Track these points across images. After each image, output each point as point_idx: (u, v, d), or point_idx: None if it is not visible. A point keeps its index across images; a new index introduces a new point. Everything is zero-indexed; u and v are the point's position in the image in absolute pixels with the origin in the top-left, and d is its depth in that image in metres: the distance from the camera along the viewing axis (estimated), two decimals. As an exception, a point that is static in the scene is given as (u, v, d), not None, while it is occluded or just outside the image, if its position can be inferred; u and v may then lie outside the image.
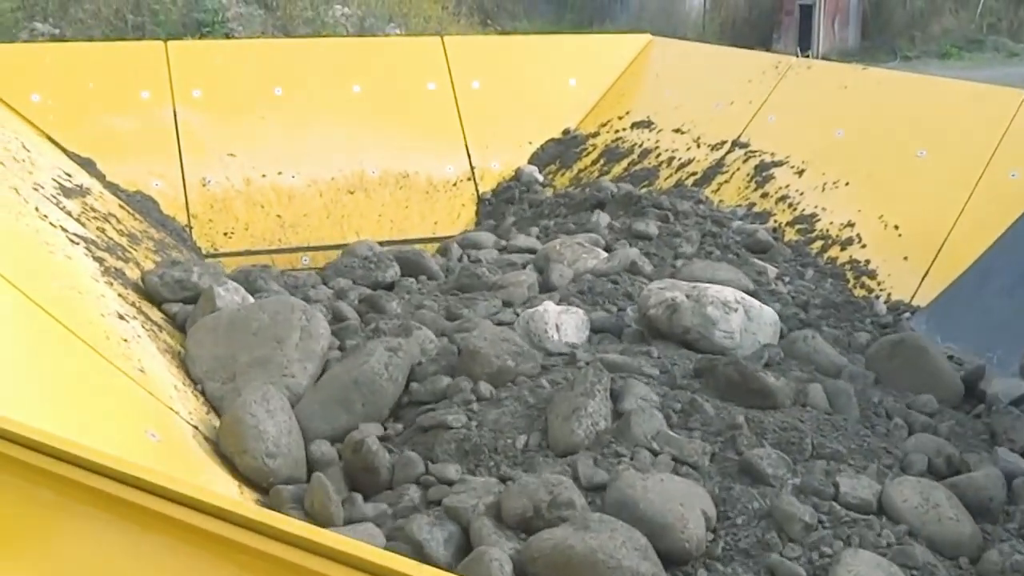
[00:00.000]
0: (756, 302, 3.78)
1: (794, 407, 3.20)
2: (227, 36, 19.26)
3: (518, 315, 3.95)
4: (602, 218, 5.19)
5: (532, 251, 5.02)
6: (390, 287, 4.69)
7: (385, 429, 3.27)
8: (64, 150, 5.61)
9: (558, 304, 3.96)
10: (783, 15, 33.47)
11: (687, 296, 3.67)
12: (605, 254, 4.68)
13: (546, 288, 4.45)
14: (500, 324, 3.90)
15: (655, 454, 2.87)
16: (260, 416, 3.05)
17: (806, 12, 32.75)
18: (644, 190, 5.71)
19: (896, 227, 4.64)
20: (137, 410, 2.94)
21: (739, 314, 3.65)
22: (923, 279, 4.31)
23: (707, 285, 3.78)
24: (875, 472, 2.88)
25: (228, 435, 3.05)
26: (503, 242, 5.30)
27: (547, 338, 3.69)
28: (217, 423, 3.23)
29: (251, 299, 4.04)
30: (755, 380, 3.19)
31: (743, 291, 4.04)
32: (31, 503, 1.29)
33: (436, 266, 4.89)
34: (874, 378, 3.53)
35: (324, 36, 19.76)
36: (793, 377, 3.37)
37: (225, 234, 5.87)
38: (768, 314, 3.74)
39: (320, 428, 3.25)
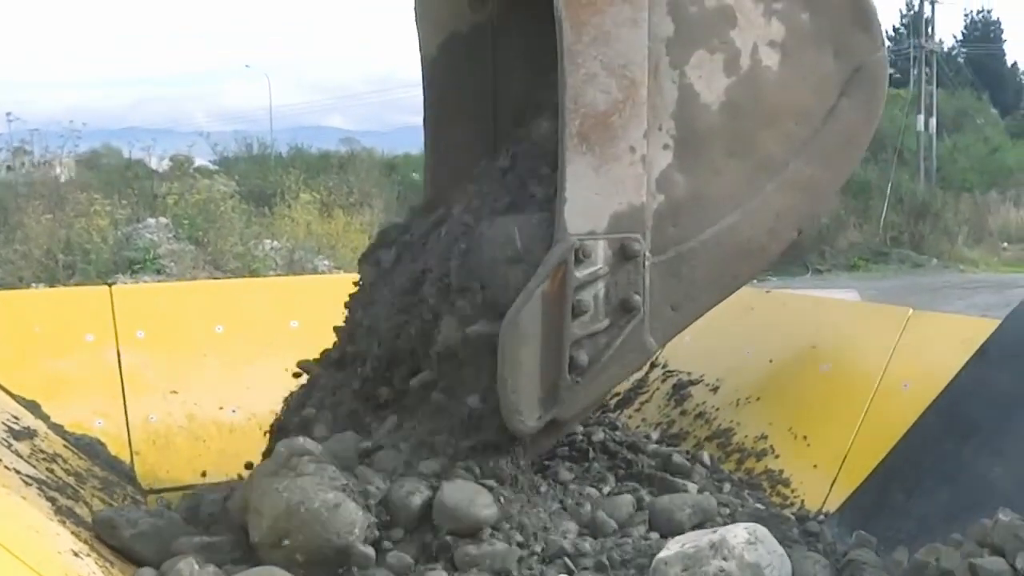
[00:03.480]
0: (756, 525, 3.84)
1: None
2: (158, 272, 19.62)
3: None
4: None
5: None
6: None
7: None
8: (10, 394, 5.79)
9: None
10: (697, 235, 35.10)
11: (724, 557, 3.65)
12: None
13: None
14: None
15: None
16: None
17: (719, 231, 34.40)
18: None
19: (805, 437, 4.99)
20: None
21: (763, 544, 3.70)
22: (832, 485, 4.63)
23: (725, 530, 3.79)
24: None
25: None
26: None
27: None
28: None
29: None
30: None
31: (711, 509, 4.27)
32: None
33: None
34: None
35: (254, 270, 20.24)
36: None
37: (167, 470, 6.02)
38: (768, 535, 3.80)
39: None
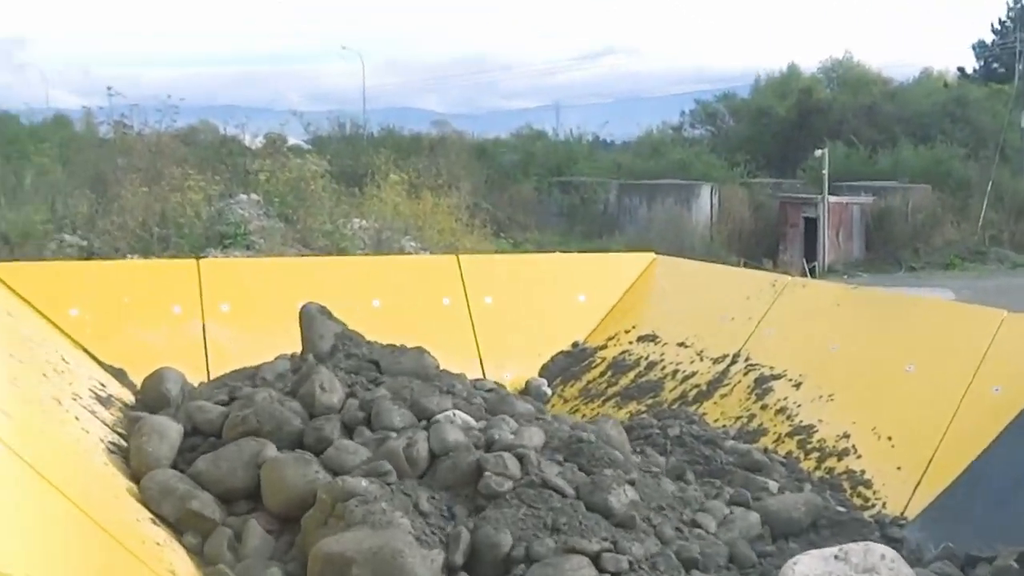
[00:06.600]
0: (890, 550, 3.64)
1: None
2: (248, 248, 19.94)
3: None
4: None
5: None
6: None
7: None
8: (98, 361, 5.92)
9: None
10: (788, 227, 34.56)
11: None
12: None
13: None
14: None
15: None
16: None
17: (811, 225, 33.83)
18: (646, 404, 5.98)
19: (889, 438, 4.86)
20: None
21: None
22: (916, 488, 4.50)
23: (871, 553, 3.53)
24: None
25: None
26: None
27: None
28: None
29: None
30: None
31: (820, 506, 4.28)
32: None
33: None
34: None
35: (342, 248, 20.46)
36: None
37: (247, 442, 6.10)
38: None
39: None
